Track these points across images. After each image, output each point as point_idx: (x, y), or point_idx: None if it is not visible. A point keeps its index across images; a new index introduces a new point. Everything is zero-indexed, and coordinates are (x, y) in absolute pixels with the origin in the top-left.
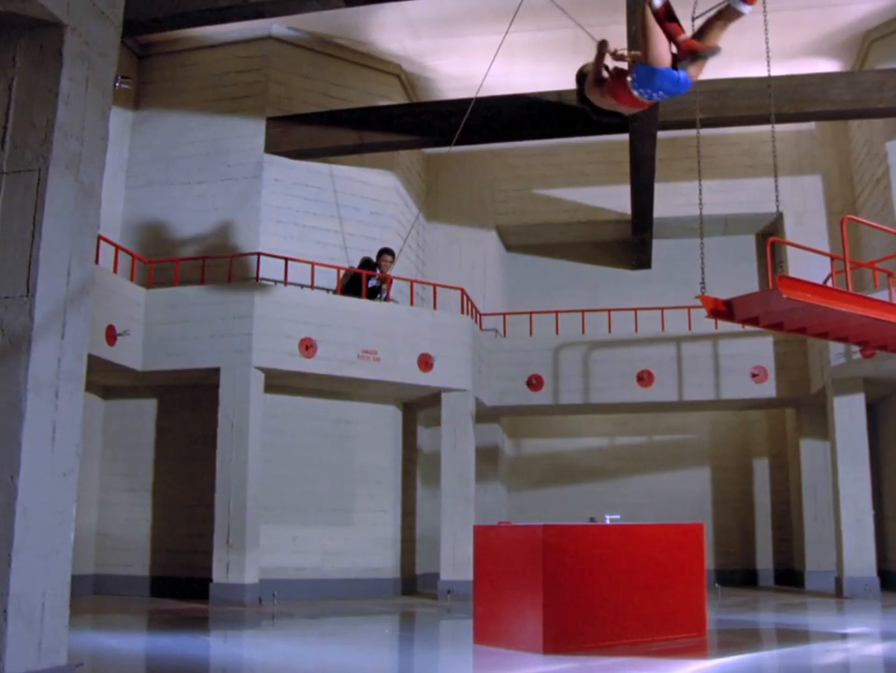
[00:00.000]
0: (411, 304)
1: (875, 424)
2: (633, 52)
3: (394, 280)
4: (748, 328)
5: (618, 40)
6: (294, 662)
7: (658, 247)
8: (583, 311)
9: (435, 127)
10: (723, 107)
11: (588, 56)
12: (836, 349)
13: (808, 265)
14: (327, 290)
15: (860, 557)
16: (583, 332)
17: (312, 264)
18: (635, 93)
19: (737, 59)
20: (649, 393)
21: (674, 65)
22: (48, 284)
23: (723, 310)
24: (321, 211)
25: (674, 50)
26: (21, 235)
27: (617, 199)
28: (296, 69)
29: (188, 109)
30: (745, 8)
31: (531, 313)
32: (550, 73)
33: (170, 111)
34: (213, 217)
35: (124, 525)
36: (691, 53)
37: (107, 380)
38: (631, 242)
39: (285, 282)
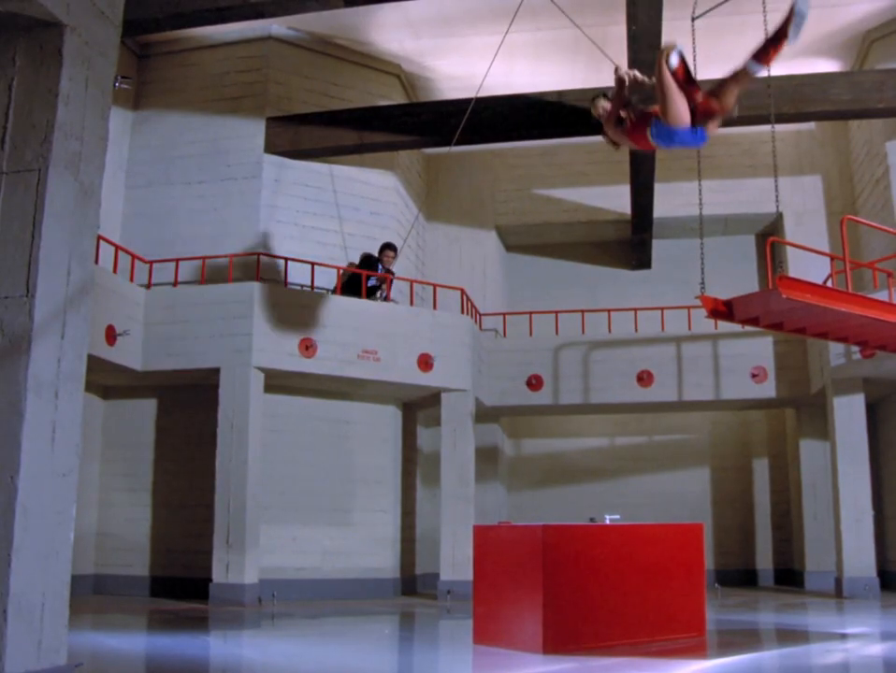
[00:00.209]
0: (411, 304)
1: (875, 425)
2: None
3: (394, 280)
4: (748, 328)
5: (618, 40)
6: (294, 662)
7: (658, 247)
8: (583, 311)
9: (435, 127)
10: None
11: (588, 58)
12: (836, 349)
13: (808, 266)
14: (327, 290)
15: (860, 557)
16: (583, 332)
17: (312, 264)
18: (653, 141)
19: (737, 59)
20: (649, 393)
21: (693, 122)
22: (48, 284)
23: (723, 310)
24: (321, 211)
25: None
26: (21, 235)
27: (617, 199)
28: (295, 69)
29: (188, 109)
30: (762, 71)
31: (531, 313)
32: (550, 73)
33: (170, 111)
34: (213, 217)
35: (124, 525)
36: (709, 115)
37: (106, 380)
38: (631, 242)
39: (285, 282)
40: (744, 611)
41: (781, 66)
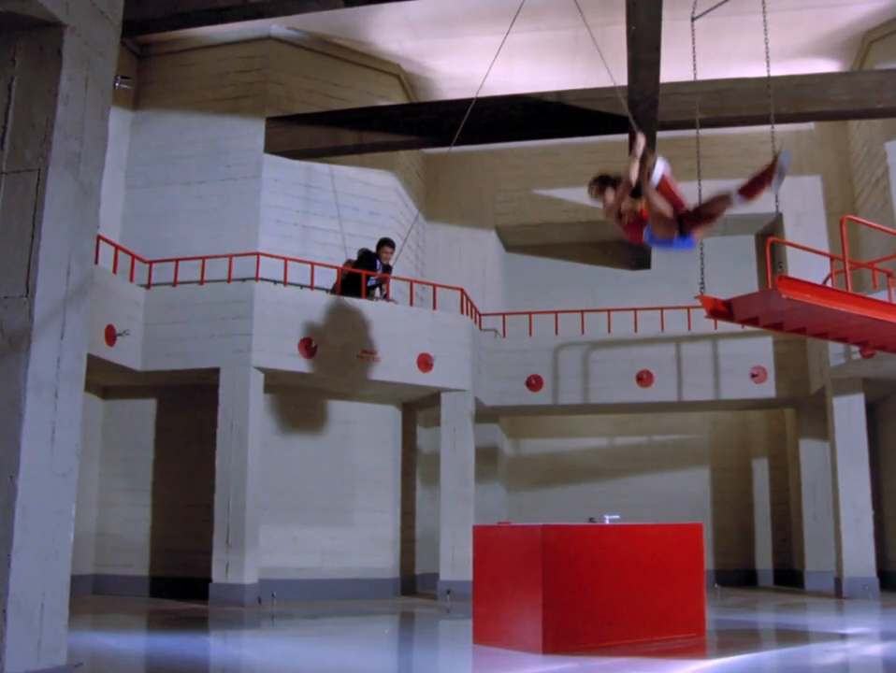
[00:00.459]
0: (411, 304)
1: (875, 425)
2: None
3: (392, 280)
4: (748, 328)
5: (618, 40)
6: (293, 662)
7: None
8: (582, 311)
9: (435, 127)
10: (723, 107)
11: (588, 57)
12: (836, 349)
13: (808, 266)
14: (327, 290)
15: (860, 557)
16: (582, 332)
17: (312, 264)
18: (647, 243)
19: (737, 59)
20: (649, 393)
21: (681, 231)
22: (47, 284)
23: (722, 310)
24: (320, 211)
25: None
26: (21, 235)
27: None
28: (295, 69)
29: (187, 109)
30: (744, 205)
31: (531, 313)
32: (550, 73)
33: (170, 111)
34: (213, 217)
35: (124, 525)
36: (695, 230)
37: (106, 381)
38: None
39: (285, 282)
40: (744, 611)
41: (781, 67)
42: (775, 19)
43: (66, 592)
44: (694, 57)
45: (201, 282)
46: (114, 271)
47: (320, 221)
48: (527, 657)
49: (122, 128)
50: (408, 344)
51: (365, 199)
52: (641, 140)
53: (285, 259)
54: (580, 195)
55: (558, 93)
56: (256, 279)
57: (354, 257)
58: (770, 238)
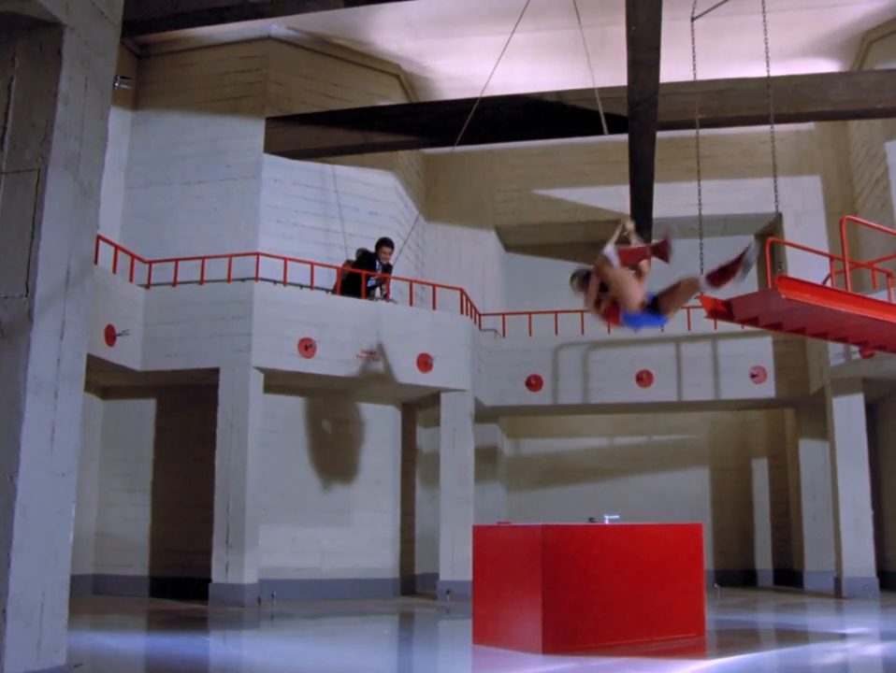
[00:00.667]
0: (411, 304)
1: (875, 425)
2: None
3: (392, 280)
4: (747, 328)
5: (618, 40)
6: (293, 662)
7: None
8: (582, 311)
9: (435, 127)
10: (722, 107)
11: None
12: (835, 349)
13: (807, 266)
14: (326, 290)
15: (859, 557)
16: (582, 332)
17: (312, 264)
18: (624, 324)
19: (736, 59)
20: (648, 393)
21: (653, 308)
22: (47, 284)
23: (722, 310)
24: (320, 211)
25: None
26: (21, 235)
27: (617, 199)
28: (295, 69)
29: (187, 109)
30: (712, 292)
31: (530, 313)
32: (550, 73)
33: (169, 111)
34: (212, 217)
35: (124, 525)
36: (665, 310)
37: (106, 381)
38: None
39: (284, 282)
40: (744, 611)
41: (780, 67)
42: (775, 19)
43: (66, 592)
44: (694, 57)
45: (201, 282)
46: (114, 271)
47: (320, 221)
48: (526, 657)
49: (121, 128)
50: (407, 344)
51: (365, 199)
52: (609, 251)
53: (285, 259)
54: (579, 195)
55: (558, 93)
56: (256, 279)
57: (354, 257)
58: (769, 238)
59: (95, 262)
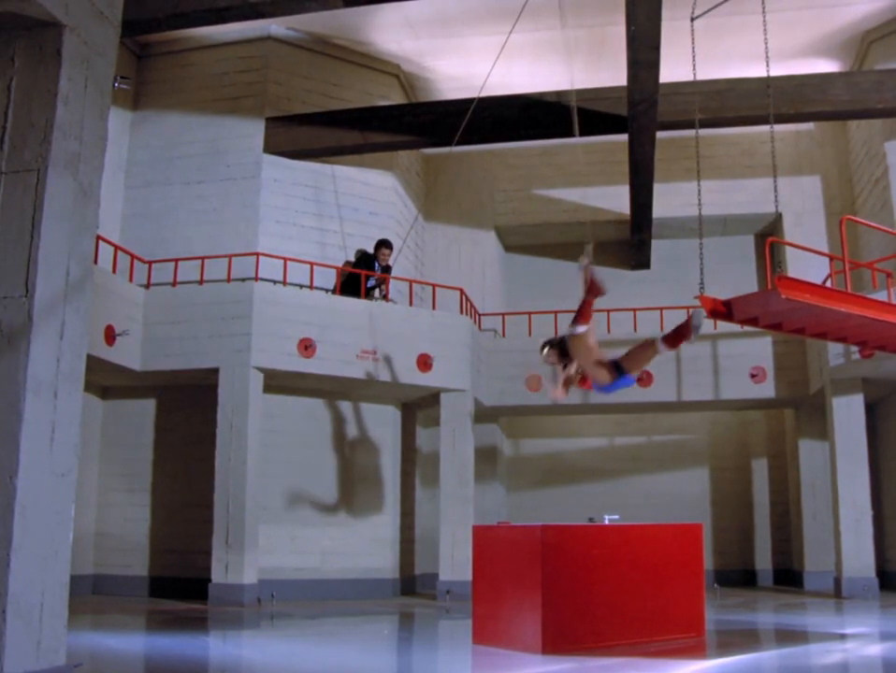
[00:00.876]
0: (410, 304)
1: (874, 425)
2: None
3: (392, 281)
4: (747, 328)
5: (617, 40)
6: (293, 662)
7: (657, 247)
8: None
9: (434, 127)
10: (722, 107)
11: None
12: (835, 349)
13: (807, 266)
14: (326, 290)
15: (859, 557)
16: None
17: (311, 264)
18: (598, 391)
19: (736, 59)
20: (648, 393)
21: (619, 372)
22: (46, 284)
23: (722, 311)
24: (320, 211)
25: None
26: (20, 235)
27: (616, 199)
28: (295, 69)
29: (187, 109)
30: (667, 351)
31: (530, 313)
32: (549, 73)
33: (169, 111)
34: (212, 217)
35: (123, 525)
36: (630, 370)
37: (105, 381)
38: (630, 242)
39: (284, 282)
40: (744, 612)
41: (780, 67)
42: (775, 19)
43: (66, 592)
44: (693, 57)
45: (200, 282)
46: (114, 271)
47: (319, 221)
48: (526, 657)
49: (121, 128)
50: (407, 344)
51: (364, 199)
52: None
53: (285, 259)
54: (579, 195)
55: (558, 93)
56: (256, 279)
57: (353, 258)
58: (769, 238)
59: (95, 262)
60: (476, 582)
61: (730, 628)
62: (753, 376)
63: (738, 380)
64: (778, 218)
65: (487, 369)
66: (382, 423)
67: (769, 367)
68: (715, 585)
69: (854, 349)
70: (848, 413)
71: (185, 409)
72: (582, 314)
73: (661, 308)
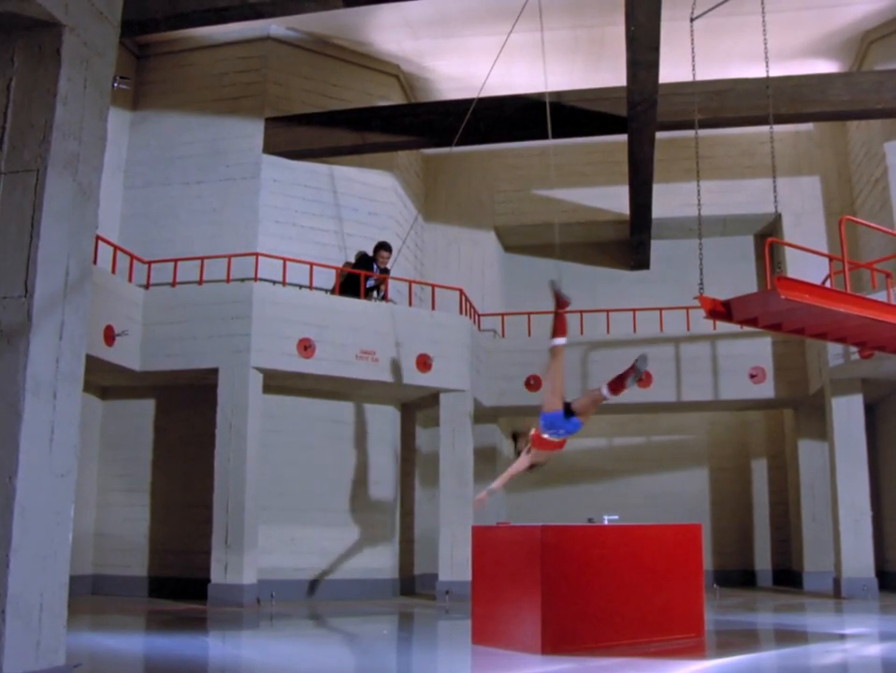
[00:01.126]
0: (410, 304)
1: (874, 425)
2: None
3: (391, 281)
4: (747, 329)
5: (617, 40)
6: (292, 662)
7: (657, 247)
8: (581, 312)
9: (434, 127)
10: (722, 107)
11: (586, 58)
12: (834, 349)
13: (806, 266)
14: (326, 290)
15: (859, 558)
16: (581, 332)
17: (311, 264)
18: (545, 435)
19: (736, 60)
20: (648, 393)
21: (566, 414)
22: (46, 285)
23: (721, 311)
24: (319, 212)
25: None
26: (20, 235)
27: (616, 200)
28: (294, 70)
29: (186, 110)
30: (612, 397)
31: (530, 314)
32: (549, 73)
33: (169, 111)
34: (212, 217)
35: (123, 526)
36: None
37: (105, 381)
38: (630, 243)
39: (284, 283)
40: (743, 612)
41: (780, 67)
42: (774, 19)
43: (65, 592)
44: (693, 57)
45: (200, 283)
46: (113, 271)
47: (319, 221)
48: (525, 657)
49: (120, 128)
50: (407, 344)
51: (364, 199)
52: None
53: (284, 259)
54: (579, 196)
55: (558, 94)
56: (255, 279)
57: (353, 258)
58: (769, 239)
59: (94, 262)
60: (476, 583)
61: (730, 628)
62: (752, 376)
63: (737, 381)
64: (778, 218)
65: (487, 369)
66: (382, 424)
67: (768, 368)
68: (715, 585)
69: (853, 349)
70: (848, 414)
71: (185, 410)
72: (558, 328)
73: (661, 309)
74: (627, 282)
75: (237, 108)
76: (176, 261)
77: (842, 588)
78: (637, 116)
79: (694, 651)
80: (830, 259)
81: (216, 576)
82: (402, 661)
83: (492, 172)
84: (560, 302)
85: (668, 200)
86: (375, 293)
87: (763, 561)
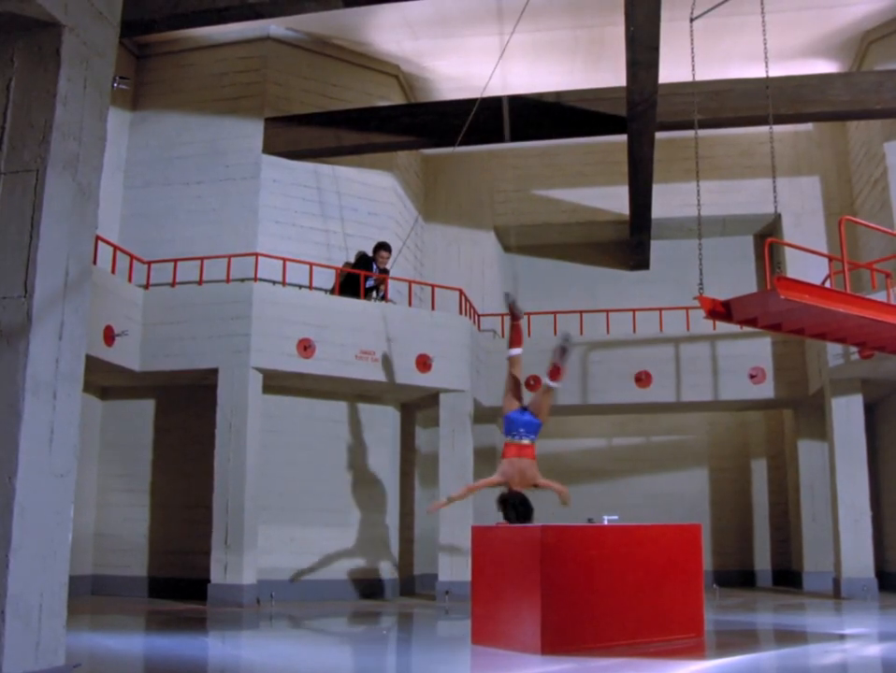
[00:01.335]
0: (410, 304)
1: (873, 425)
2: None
3: (391, 281)
4: (746, 329)
5: (617, 40)
6: (292, 662)
7: (657, 248)
8: (581, 312)
9: (434, 128)
10: (721, 107)
11: (586, 58)
12: (834, 350)
13: (806, 266)
14: (325, 290)
15: (858, 558)
16: (581, 333)
17: (311, 264)
18: (507, 438)
19: (735, 60)
20: (647, 393)
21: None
22: (45, 285)
23: (721, 311)
24: (319, 212)
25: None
26: (19, 235)
27: (616, 200)
28: (294, 70)
29: (186, 110)
30: (555, 385)
31: (529, 314)
32: (548, 73)
33: (168, 112)
34: (211, 217)
35: (122, 526)
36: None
37: (105, 381)
38: (630, 243)
39: (283, 283)
40: (743, 612)
41: (779, 67)
42: (774, 19)
43: (65, 592)
44: (693, 58)
45: (200, 283)
46: (113, 271)
47: (319, 221)
48: (525, 658)
49: (120, 128)
50: (406, 345)
51: (364, 200)
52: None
53: (284, 259)
54: (579, 196)
55: (557, 94)
56: (255, 279)
57: (353, 259)
58: (768, 239)
59: (94, 262)
60: (475, 583)
61: (729, 629)
62: (752, 376)
63: (737, 381)
64: (777, 218)
65: (486, 370)
66: (382, 424)
67: (768, 368)
68: (714, 586)
69: (853, 349)
70: (847, 414)
71: (184, 410)
72: (514, 339)
73: (661, 309)
74: (626, 282)
75: (236, 108)
76: (176, 261)
77: (841, 588)
78: (637, 116)
79: (694, 651)
80: (830, 259)
81: (216, 576)
82: (402, 661)
83: (492, 172)
84: (514, 315)
85: (668, 200)
86: (375, 294)
87: (763, 561)
